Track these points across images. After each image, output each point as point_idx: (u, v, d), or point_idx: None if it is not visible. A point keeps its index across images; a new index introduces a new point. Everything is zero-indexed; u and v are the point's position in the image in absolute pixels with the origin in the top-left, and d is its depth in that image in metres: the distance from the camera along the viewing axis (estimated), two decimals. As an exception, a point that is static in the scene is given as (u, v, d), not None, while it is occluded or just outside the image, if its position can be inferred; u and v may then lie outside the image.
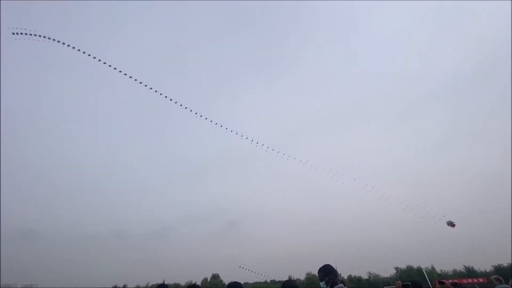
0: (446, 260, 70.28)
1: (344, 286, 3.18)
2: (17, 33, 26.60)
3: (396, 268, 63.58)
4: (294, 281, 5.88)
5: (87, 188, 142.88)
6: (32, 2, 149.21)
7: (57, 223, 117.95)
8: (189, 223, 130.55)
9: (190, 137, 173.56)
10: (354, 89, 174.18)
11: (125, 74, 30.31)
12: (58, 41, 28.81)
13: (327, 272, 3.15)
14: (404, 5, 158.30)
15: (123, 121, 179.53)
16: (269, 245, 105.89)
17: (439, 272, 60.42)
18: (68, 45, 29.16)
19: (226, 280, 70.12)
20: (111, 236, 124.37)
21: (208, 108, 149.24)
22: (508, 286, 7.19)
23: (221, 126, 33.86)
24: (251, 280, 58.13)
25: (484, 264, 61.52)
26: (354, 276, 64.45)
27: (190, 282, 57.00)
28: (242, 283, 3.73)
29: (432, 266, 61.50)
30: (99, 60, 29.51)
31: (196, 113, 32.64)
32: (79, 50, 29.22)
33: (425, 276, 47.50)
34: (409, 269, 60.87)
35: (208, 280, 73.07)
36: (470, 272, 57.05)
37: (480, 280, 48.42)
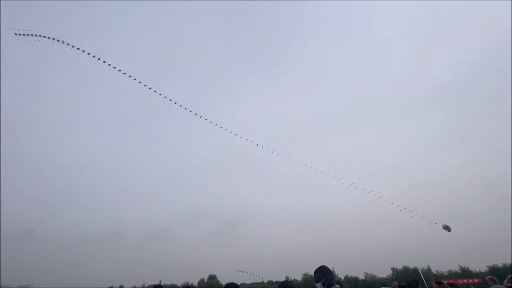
0: (442, 260, 70.94)
1: (341, 287, 3.17)
2: (20, 34, 26.39)
3: (393, 269, 63.94)
4: (291, 282, 5.87)
5: (86, 188, 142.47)
6: (32, 2, 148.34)
7: (57, 223, 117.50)
8: (188, 223, 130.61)
9: (190, 137, 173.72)
10: (354, 89, 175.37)
11: (125, 74, 30.02)
12: (58, 40, 28.56)
13: (323, 273, 3.14)
14: (404, 5, 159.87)
15: (123, 121, 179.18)
16: (268, 245, 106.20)
17: (435, 272, 60.90)
18: (68, 44, 28.90)
19: (224, 281, 69.93)
20: (110, 236, 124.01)
21: (208, 108, 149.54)
22: (503, 286, 7.26)
23: (221, 127, 33.64)
24: (248, 281, 58.14)
25: (479, 264, 62.27)
26: (351, 276, 64.64)
27: (187, 283, 56.66)
28: (239, 284, 3.72)
29: (428, 266, 62.02)
30: (99, 59, 29.21)
31: (195, 114, 32.41)
32: (78, 49, 28.96)
33: (421, 276, 47.80)
34: (405, 269, 61.23)
35: (205, 280, 72.89)
36: (465, 273, 57.60)
37: (475, 280, 48.94)
